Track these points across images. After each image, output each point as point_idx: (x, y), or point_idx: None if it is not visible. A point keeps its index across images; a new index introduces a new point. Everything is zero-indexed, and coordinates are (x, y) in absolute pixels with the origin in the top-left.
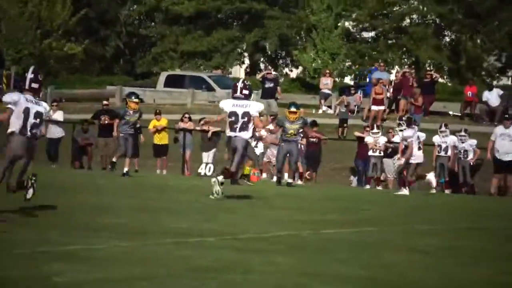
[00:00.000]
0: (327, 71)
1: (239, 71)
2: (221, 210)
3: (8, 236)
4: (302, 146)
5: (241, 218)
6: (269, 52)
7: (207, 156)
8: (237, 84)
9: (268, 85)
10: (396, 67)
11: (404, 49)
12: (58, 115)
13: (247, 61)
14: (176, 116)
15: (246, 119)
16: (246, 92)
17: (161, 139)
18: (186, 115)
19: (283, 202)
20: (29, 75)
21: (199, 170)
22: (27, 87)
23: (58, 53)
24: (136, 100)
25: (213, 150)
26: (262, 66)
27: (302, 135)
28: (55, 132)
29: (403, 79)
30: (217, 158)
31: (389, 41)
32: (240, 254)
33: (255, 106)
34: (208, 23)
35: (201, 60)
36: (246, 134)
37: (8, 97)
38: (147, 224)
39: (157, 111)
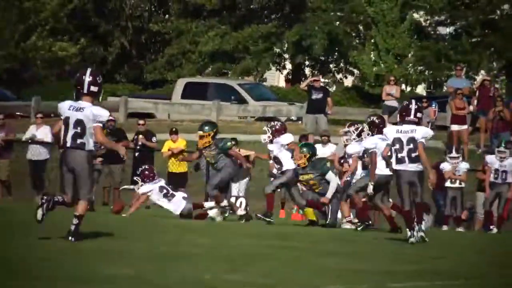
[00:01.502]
0: (392, 78)
1: (278, 78)
2: (255, 257)
3: None
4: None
5: (279, 267)
6: (316, 54)
7: (238, 188)
8: (410, 105)
9: (316, 96)
10: (482, 72)
11: (492, 49)
12: (44, 132)
13: (288, 65)
14: (197, 136)
15: (412, 146)
16: (419, 115)
17: (178, 166)
18: None
19: (331, 246)
20: (87, 78)
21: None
22: (85, 91)
23: (46, 54)
24: None
25: (246, 180)
26: (307, 71)
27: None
28: (37, 153)
29: (481, 89)
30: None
31: (473, 39)
32: None
33: (422, 131)
34: (237, 15)
35: (226, 63)
36: (419, 166)
37: (58, 107)
38: (162, 274)
39: (173, 129)
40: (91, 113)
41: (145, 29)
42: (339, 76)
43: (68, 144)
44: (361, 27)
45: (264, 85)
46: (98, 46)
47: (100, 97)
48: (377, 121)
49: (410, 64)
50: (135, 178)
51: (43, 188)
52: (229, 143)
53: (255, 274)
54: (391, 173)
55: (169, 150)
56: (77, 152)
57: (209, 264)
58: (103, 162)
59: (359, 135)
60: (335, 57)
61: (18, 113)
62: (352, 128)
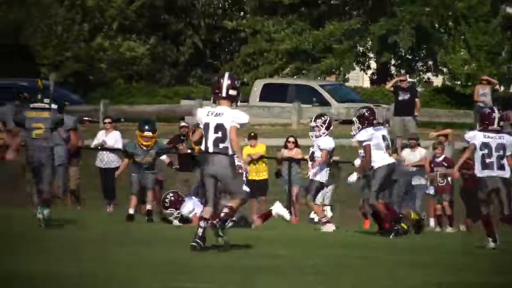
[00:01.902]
0: (485, 77)
1: (362, 78)
2: (341, 268)
3: None
4: (449, 179)
5: (364, 280)
6: (402, 52)
7: (323, 195)
8: (493, 114)
9: (403, 97)
10: None
11: None
12: (113, 138)
13: (373, 64)
14: (277, 140)
15: (501, 152)
16: (502, 123)
17: (258, 172)
18: (291, 139)
19: (423, 257)
20: (226, 82)
21: (312, 215)
22: (224, 95)
23: (113, 55)
24: (150, 133)
25: (331, 186)
26: (393, 71)
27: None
28: (108, 160)
29: None
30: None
31: None
32: None
33: (509, 139)
34: (317, 12)
35: (305, 62)
36: (506, 173)
37: (197, 115)
38: None
39: (252, 134)
40: (231, 116)
41: (218, 27)
42: (427, 75)
43: (210, 150)
44: (450, 23)
45: (347, 85)
46: (169, 45)
47: (238, 102)
48: (367, 113)
49: (504, 62)
50: (166, 211)
51: (114, 197)
52: None
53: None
54: (394, 161)
55: (248, 156)
56: (220, 157)
57: (293, 278)
58: (178, 169)
59: (327, 128)
60: (422, 55)
61: (86, 118)
62: (319, 122)
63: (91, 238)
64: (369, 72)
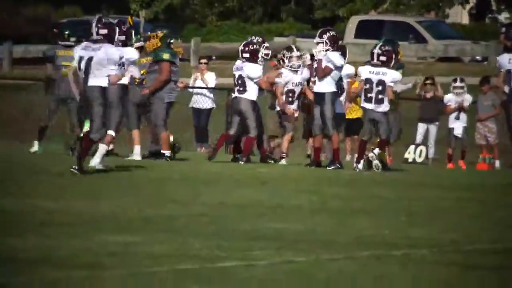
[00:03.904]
0: None
1: (460, 14)
2: (437, 209)
3: (143, 249)
4: None
5: (465, 222)
6: None
7: (422, 134)
8: None
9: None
10: None
11: None
12: (209, 78)
13: None
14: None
15: None
16: None
17: (355, 111)
18: None
19: None
20: None
21: (406, 155)
22: None
23: None
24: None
25: (435, 123)
26: (494, 6)
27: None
28: (201, 100)
29: None
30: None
31: None
32: (464, 272)
33: None
34: None
35: None
36: None
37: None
38: (335, 230)
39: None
40: None
41: None
42: None
43: None
44: None
45: (445, 22)
46: None
47: None
48: (336, 35)
49: None
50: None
51: (206, 141)
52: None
53: (439, 229)
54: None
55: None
56: None
57: (388, 219)
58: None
59: (333, 45)
60: None
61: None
62: (325, 38)
63: (176, 179)
64: (468, 7)
